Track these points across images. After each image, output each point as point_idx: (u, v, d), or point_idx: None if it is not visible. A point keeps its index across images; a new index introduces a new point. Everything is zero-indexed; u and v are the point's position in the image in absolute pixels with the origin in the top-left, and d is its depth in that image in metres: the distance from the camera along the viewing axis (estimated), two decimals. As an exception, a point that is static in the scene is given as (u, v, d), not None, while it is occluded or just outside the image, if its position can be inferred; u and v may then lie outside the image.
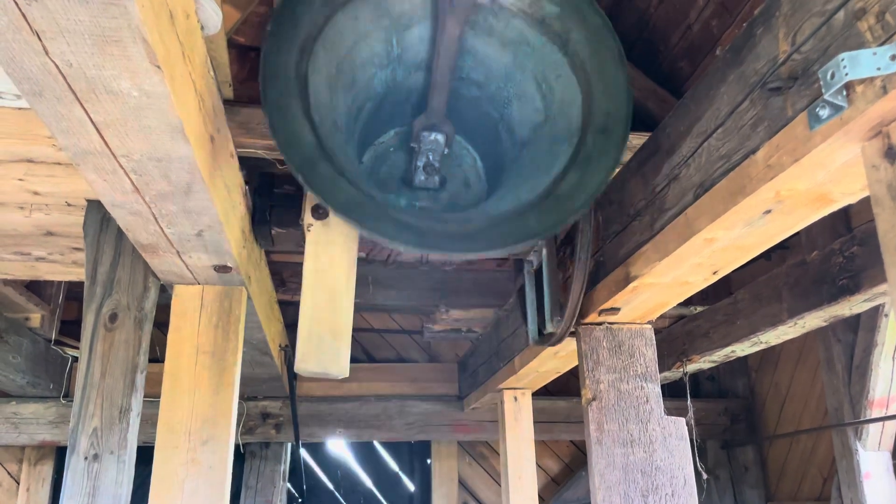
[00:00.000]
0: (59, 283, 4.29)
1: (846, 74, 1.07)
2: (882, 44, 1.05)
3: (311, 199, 2.30)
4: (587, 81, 2.05)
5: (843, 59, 1.07)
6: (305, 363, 2.06)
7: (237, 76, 5.36)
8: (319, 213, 2.30)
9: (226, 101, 1.97)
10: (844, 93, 1.12)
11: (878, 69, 1.04)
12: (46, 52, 1.13)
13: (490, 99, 2.36)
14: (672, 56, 4.81)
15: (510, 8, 2.13)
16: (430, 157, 2.34)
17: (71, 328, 4.42)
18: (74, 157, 1.46)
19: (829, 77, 1.11)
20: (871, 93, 1.08)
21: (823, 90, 1.13)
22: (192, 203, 1.71)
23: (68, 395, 4.40)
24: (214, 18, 1.50)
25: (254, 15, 5.24)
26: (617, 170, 2.02)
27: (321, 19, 1.95)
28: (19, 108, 1.81)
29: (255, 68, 5.40)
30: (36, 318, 4.02)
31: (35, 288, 4.04)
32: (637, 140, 3.79)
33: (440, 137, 2.31)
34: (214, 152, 1.70)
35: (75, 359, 4.48)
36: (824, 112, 1.16)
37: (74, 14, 1.05)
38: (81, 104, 1.27)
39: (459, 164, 2.53)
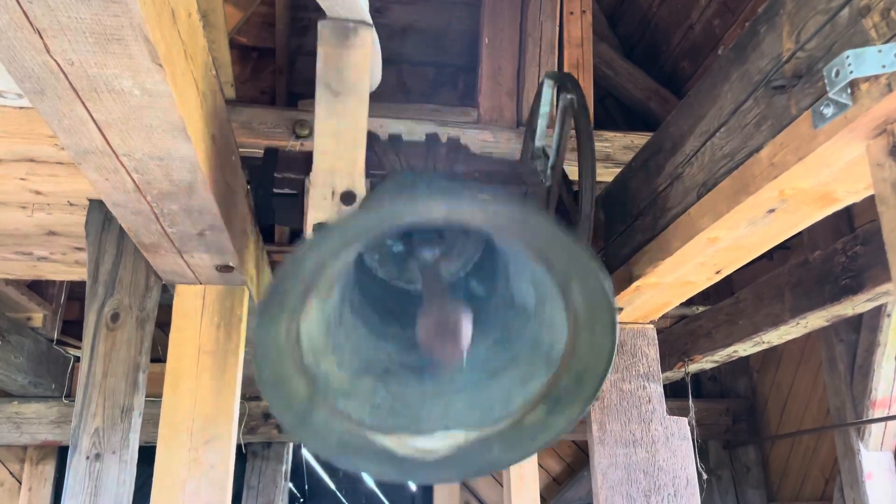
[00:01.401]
0: (61, 282, 4.30)
1: (851, 72, 1.06)
2: (887, 41, 1.05)
3: (312, 218, 2.26)
4: (575, 327, 1.92)
5: (847, 57, 1.07)
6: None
7: (239, 76, 5.36)
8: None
9: (228, 101, 1.97)
10: (849, 90, 1.11)
11: (883, 67, 1.04)
12: (48, 51, 1.13)
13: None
14: (674, 56, 4.80)
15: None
16: None
17: (73, 328, 4.42)
18: (76, 156, 1.46)
19: (833, 75, 1.11)
20: (875, 90, 1.07)
21: (828, 88, 1.12)
22: (194, 202, 1.71)
23: (70, 395, 4.40)
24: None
25: (256, 15, 5.24)
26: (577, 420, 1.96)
27: (313, 267, 1.82)
28: (21, 108, 1.80)
29: (257, 69, 5.39)
30: (38, 317, 4.02)
31: (37, 288, 4.04)
32: (639, 140, 3.80)
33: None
34: (216, 151, 1.69)
35: (77, 358, 4.48)
36: (829, 110, 1.15)
37: (76, 12, 1.04)
38: (83, 103, 1.27)
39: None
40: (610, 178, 3.57)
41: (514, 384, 1.84)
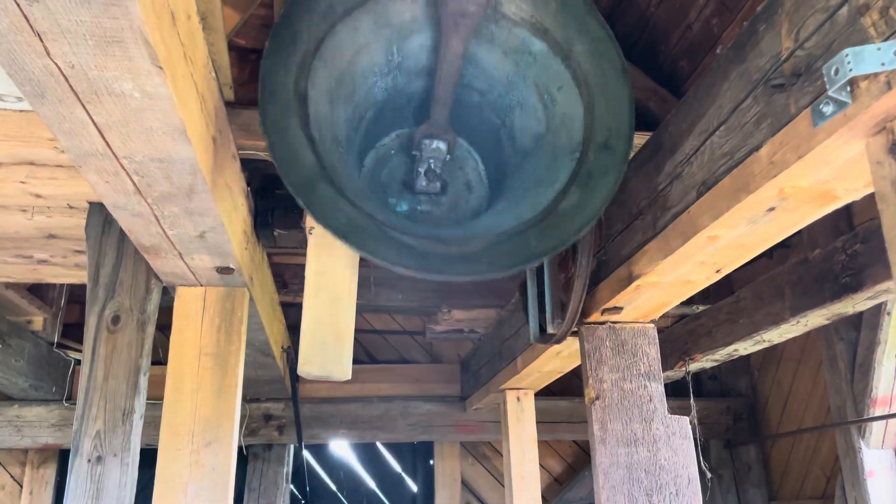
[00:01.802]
0: (61, 285, 4.29)
1: (850, 70, 1.06)
2: (886, 39, 1.05)
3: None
4: (589, 95, 2.01)
5: (847, 55, 1.07)
6: (308, 366, 2.05)
7: (238, 78, 5.35)
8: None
9: (227, 103, 1.97)
10: (848, 89, 1.11)
11: (883, 64, 1.04)
12: (48, 54, 1.13)
13: (492, 106, 2.35)
14: (672, 55, 4.80)
15: (512, 17, 2.11)
16: (432, 164, 2.33)
17: (73, 331, 4.42)
18: (76, 159, 1.46)
19: (832, 73, 1.11)
20: (875, 88, 1.08)
21: (827, 86, 1.12)
22: (195, 204, 1.71)
23: (71, 398, 4.40)
24: None
25: (254, 17, 5.24)
26: (618, 186, 1.99)
27: (320, 33, 1.92)
28: (21, 111, 1.81)
29: (256, 70, 5.39)
30: (38, 321, 4.02)
31: (37, 291, 4.04)
32: (639, 140, 3.79)
33: (442, 145, 2.30)
34: (216, 153, 1.70)
35: (78, 361, 4.48)
36: (828, 108, 1.16)
37: (76, 14, 1.04)
38: (83, 106, 1.27)
39: (462, 166, 2.52)
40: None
41: (542, 188, 1.88)
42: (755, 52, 1.38)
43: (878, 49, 1.05)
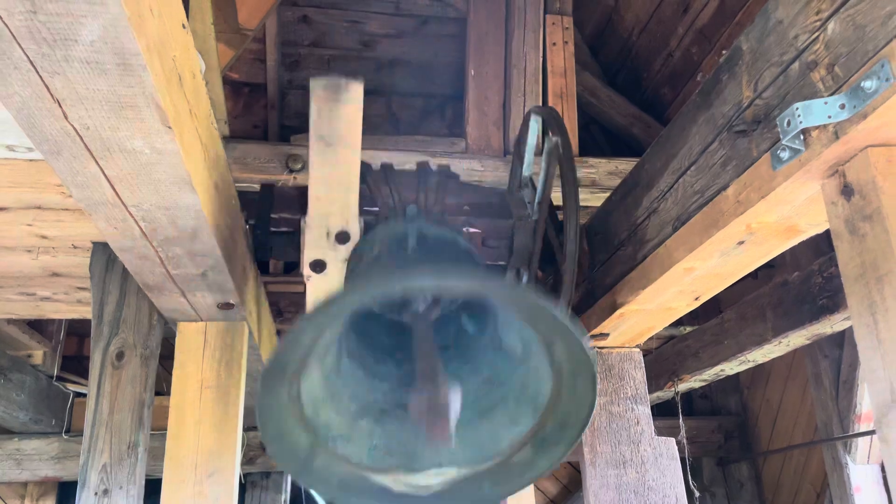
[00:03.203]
0: (61, 319, 4.36)
1: (801, 122, 1.17)
2: (832, 94, 1.16)
3: (308, 256, 2.34)
4: (559, 379, 1.99)
5: (797, 109, 1.17)
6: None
7: (231, 111, 5.46)
8: (318, 268, 2.38)
9: (222, 138, 2.07)
10: (801, 137, 1.22)
11: (829, 117, 1.14)
12: (66, 117, 1.22)
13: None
14: (655, 83, 4.95)
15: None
16: None
17: (72, 364, 4.48)
18: (87, 208, 1.55)
19: (786, 124, 1.21)
20: (825, 137, 1.18)
21: (781, 136, 1.23)
22: (197, 246, 1.80)
23: (70, 431, 4.44)
24: None
25: (247, 52, 5.35)
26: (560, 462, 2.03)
27: (309, 341, 1.89)
28: (30, 160, 1.90)
29: (249, 103, 5.49)
30: (38, 354, 4.08)
31: (36, 325, 4.10)
32: (623, 165, 3.91)
33: None
34: (218, 198, 1.79)
35: (77, 394, 4.53)
36: (785, 154, 1.26)
37: (94, 84, 1.14)
38: (96, 161, 1.36)
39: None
40: (596, 203, 3.68)
41: (503, 424, 1.93)
42: (720, 99, 1.49)
43: (826, 103, 1.15)
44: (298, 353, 1.77)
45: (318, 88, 1.87)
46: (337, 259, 2.28)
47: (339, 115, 1.85)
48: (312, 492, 5.42)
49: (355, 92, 1.88)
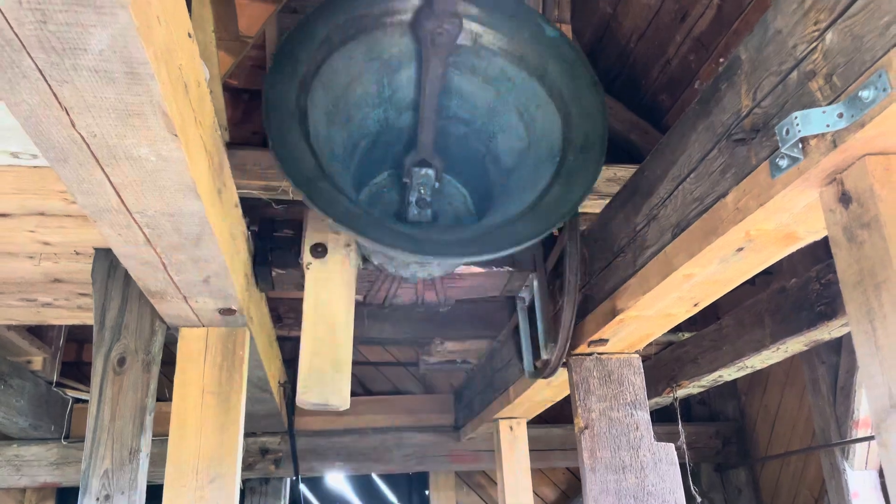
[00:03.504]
0: (61, 326, 4.36)
1: (799, 131, 1.19)
2: (830, 103, 1.17)
3: (309, 239, 2.41)
4: (565, 107, 2.20)
5: (796, 118, 1.19)
6: (307, 395, 2.15)
7: (231, 118, 5.48)
8: (318, 251, 2.40)
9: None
10: (800, 146, 1.23)
11: (828, 126, 1.16)
12: (73, 125, 1.24)
13: (477, 134, 2.49)
14: (653, 90, 4.97)
15: (490, 47, 2.27)
16: (422, 192, 2.44)
17: (71, 370, 4.48)
18: (92, 214, 1.56)
19: (784, 133, 1.23)
20: (823, 146, 1.20)
21: (780, 144, 1.24)
22: (201, 252, 1.81)
23: (69, 436, 4.44)
24: None
25: (247, 58, 5.37)
26: (597, 179, 2.14)
27: (319, 58, 2.09)
28: (34, 167, 1.91)
29: (249, 110, 5.52)
30: (38, 360, 4.08)
31: (36, 331, 4.10)
32: (622, 172, 3.93)
33: (430, 172, 2.42)
34: (222, 204, 1.80)
35: (76, 400, 4.53)
36: (783, 162, 1.28)
37: (102, 92, 1.15)
38: (102, 168, 1.38)
39: (450, 201, 2.64)
40: (594, 210, 3.70)
41: (526, 193, 2.04)
42: (719, 107, 1.50)
43: (824, 112, 1.17)
44: (311, 47, 1.97)
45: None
46: (339, 243, 2.35)
47: None
48: (307, 493, 5.42)
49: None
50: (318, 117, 2.08)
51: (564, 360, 2.45)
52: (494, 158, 2.47)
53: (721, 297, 2.07)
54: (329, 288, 2.32)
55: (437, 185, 2.46)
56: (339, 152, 2.22)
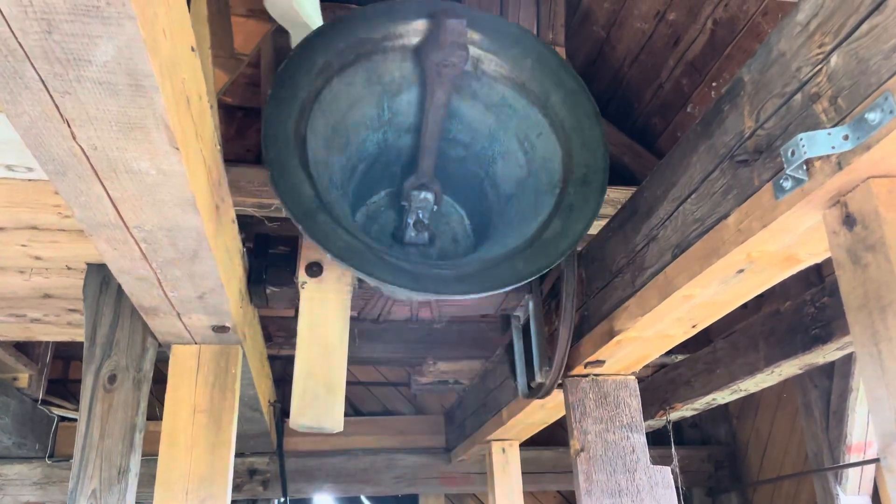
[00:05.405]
0: (48, 342, 4.30)
1: (805, 153, 1.19)
2: (835, 125, 1.18)
3: (305, 258, 2.40)
4: (566, 138, 2.20)
5: (801, 139, 1.19)
6: (301, 418, 2.13)
7: (225, 135, 5.48)
8: (313, 270, 2.39)
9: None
10: (805, 167, 1.23)
11: (833, 148, 1.16)
12: (74, 138, 1.22)
13: (476, 158, 2.49)
14: (646, 113, 5.01)
15: (493, 74, 2.28)
16: (420, 215, 2.44)
17: (57, 387, 4.41)
18: (88, 229, 1.54)
19: (790, 154, 1.23)
20: (828, 168, 1.20)
21: (785, 166, 1.24)
22: (197, 268, 1.79)
23: (54, 455, 4.37)
24: None
25: (241, 76, 5.38)
26: (597, 215, 2.15)
27: (319, 84, 2.09)
28: (29, 180, 1.89)
29: (243, 127, 5.52)
30: (24, 377, 4.02)
31: (23, 347, 4.04)
32: (615, 194, 3.94)
33: (429, 196, 2.42)
34: (219, 219, 1.78)
35: (62, 418, 4.46)
36: (787, 184, 1.28)
37: (104, 104, 1.14)
38: (101, 182, 1.36)
39: (448, 221, 2.64)
40: (591, 230, 3.70)
41: (525, 224, 2.04)
42: (721, 129, 1.51)
43: (829, 134, 1.17)
44: (311, 74, 1.97)
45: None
46: (334, 263, 2.34)
47: None
48: (299, 520, 5.34)
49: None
50: (317, 144, 2.07)
51: (560, 381, 2.43)
52: (493, 183, 2.48)
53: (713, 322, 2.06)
54: (324, 308, 2.30)
55: (435, 208, 2.46)
56: (337, 178, 2.22)
